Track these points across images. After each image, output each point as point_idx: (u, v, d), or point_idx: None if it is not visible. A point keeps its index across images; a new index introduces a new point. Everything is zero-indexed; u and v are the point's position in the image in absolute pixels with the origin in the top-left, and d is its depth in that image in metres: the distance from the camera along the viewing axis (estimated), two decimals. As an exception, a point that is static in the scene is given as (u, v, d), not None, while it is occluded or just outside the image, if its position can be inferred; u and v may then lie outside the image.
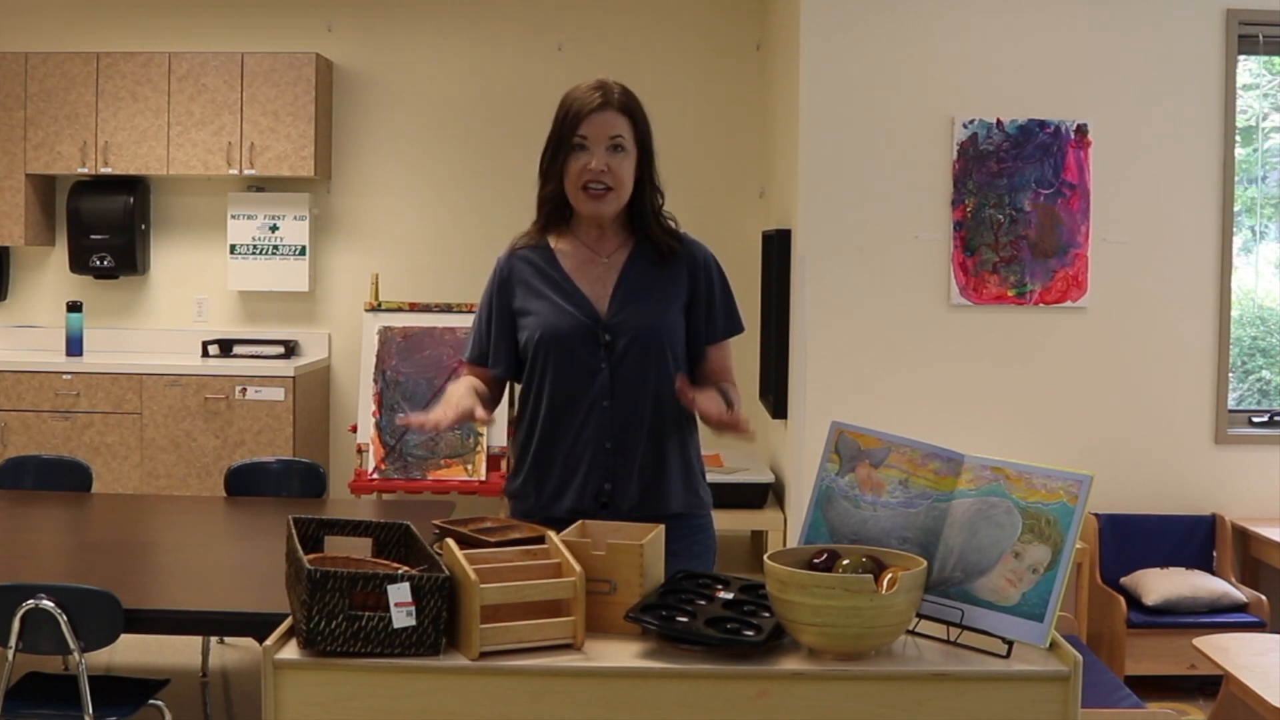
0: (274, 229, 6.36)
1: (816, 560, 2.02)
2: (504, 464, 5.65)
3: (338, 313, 6.52)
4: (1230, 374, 5.06)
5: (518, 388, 2.70)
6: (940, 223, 4.95)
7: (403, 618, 1.89)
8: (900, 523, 2.08)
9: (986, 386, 4.96)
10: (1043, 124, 4.91)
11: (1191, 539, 4.89)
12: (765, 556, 1.99)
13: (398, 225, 6.49)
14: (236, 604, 3.20)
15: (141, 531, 4.08)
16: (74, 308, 6.25)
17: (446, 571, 1.97)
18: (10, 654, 3.08)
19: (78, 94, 6.15)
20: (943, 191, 4.95)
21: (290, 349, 6.33)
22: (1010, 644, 1.95)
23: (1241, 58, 5.05)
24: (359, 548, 2.24)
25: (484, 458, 5.60)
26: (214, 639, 4.82)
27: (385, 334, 5.81)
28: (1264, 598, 4.64)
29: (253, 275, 6.38)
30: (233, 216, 6.36)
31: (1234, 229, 5.04)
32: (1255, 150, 5.44)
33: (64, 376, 5.97)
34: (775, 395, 5.23)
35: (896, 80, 4.94)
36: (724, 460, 5.34)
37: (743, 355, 2.90)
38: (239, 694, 4.58)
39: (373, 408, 5.71)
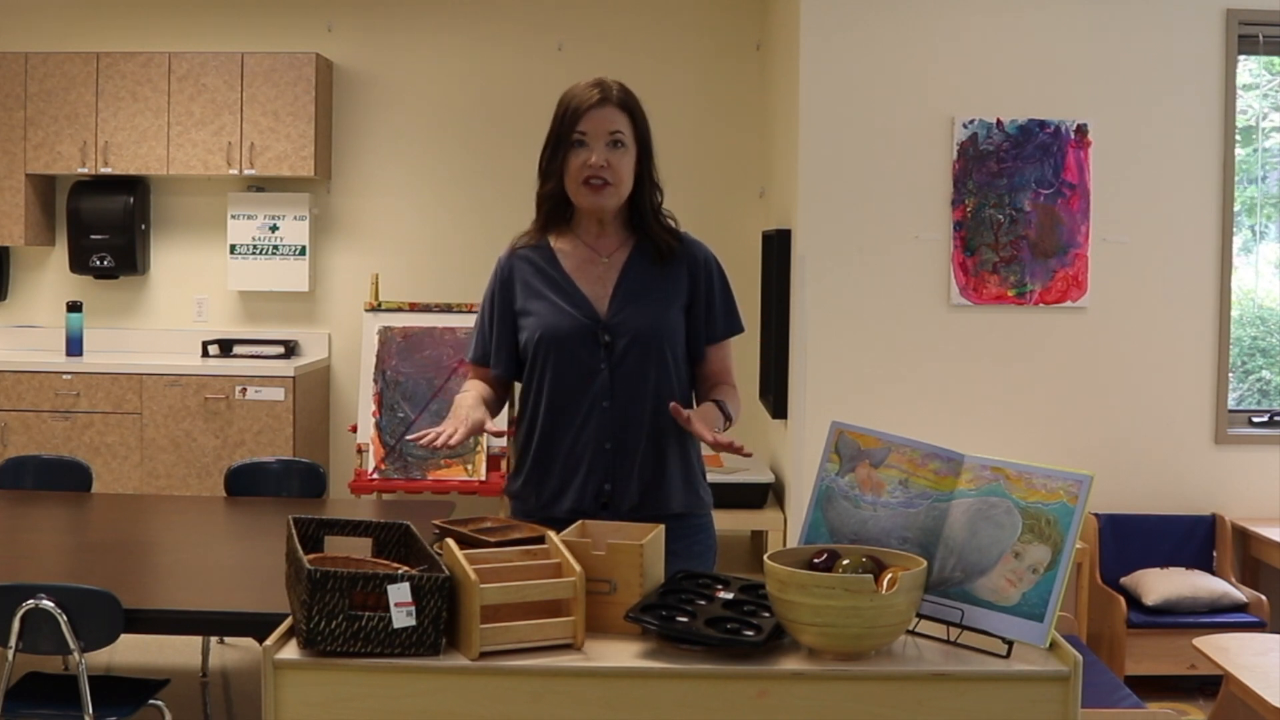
0: (274, 229, 6.36)
1: (816, 560, 2.02)
2: (504, 464, 5.65)
3: (338, 313, 6.52)
4: (1230, 374, 5.06)
5: (518, 388, 2.70)
6: (940, 223, 4.95)
7: (403, 618, 1.89)
8: (900, 523, 2.08)
9: (986, 386, 4.96)
10: (1043, 124, 4.91)
11: (1191, 539, 4.89)
12: (765, 556, 1.99)
13: (398, 225, 6.49)
14: (236, 604, 3.20)
15: (141, 531, 4.08)
16: (74, 308, 6.25)
17: (446, 571, 1.97)
18: (10, 654, 3.08)
19: (78, 94, 6.16)
20: (943, 191, 4.95)
21: (290, 349, 6.33)
22: (1010, 644, 1.95)
23: (1241, 58, 5.05)
24: (359, 548, 2.24)
25: (484, 458, 5.60)
26: (214, 639, 4.82)
27: (385, 334, 5.81)
28: (1264, 598, 4.64)
29: (253, 275, 6.38)
30: (233, 216, 6.36)
31: (1234, 229, 5.04)
32: (1255, 150, 5.44)
33: (64, 376, 5.97)
34: (775, 395, 5.23)
35: (896, 80, 4.94)
36: (724, 460, 5.34)
37: (743, 355, 2.90)
38: (239, 694, 4.58)
39: (373, 408, 5.71)
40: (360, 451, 5.72)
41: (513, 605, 1.95)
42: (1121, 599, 4.62)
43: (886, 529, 2.09)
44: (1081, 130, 4.91)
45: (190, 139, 6.15)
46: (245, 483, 4.48)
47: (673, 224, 2.65)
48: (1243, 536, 4.89)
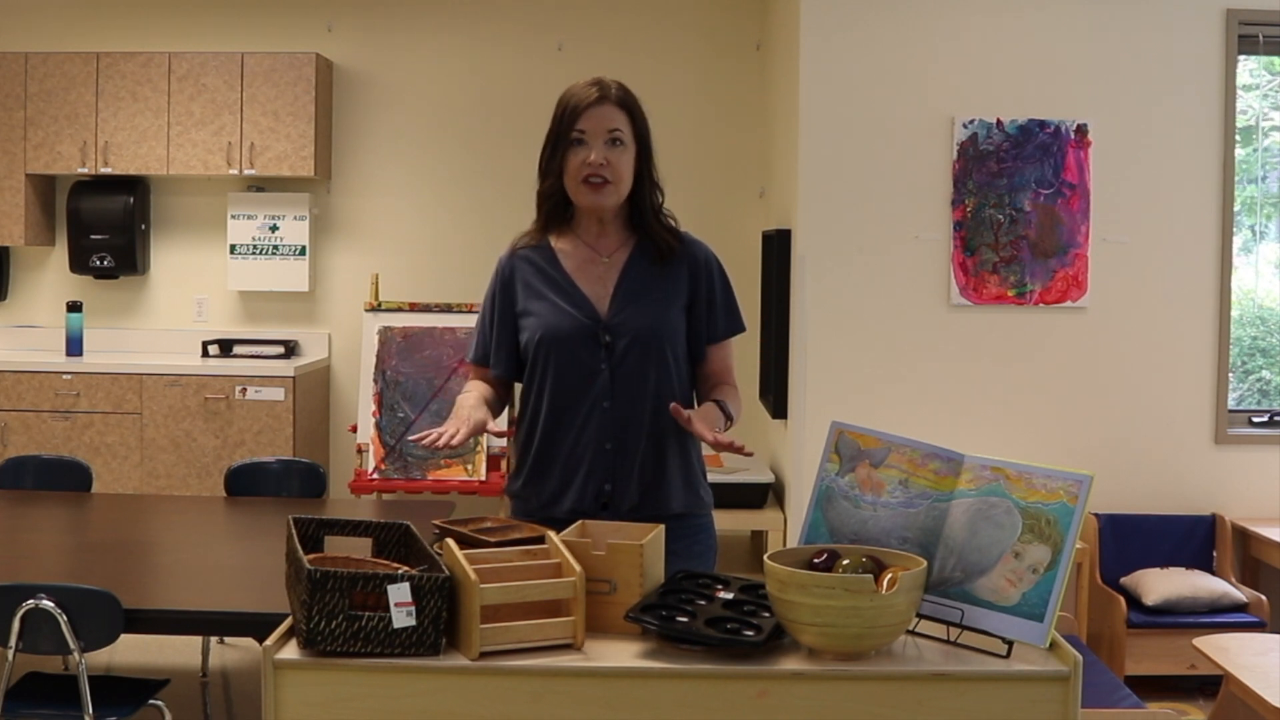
0: (274, 229, 6.36)
1: (816, 560, 2.02)
2: (504, 464, 5.65)
3: (338, 313, 6.52)
4: (1230, 374, 5.06)
5: (518, 388, 2.70)
6: (940, 223, 4.95)
7: (403, 618, 1.89)
8: (900, 523, 2.08)
9: (986, 386, 4.96)
10: (1043, 124, 4.91)
11: (1191, 539, 4.89)
12: (765, 556, 1.99)
13: (398, 225, 6.49)
14: (236, 604, 3.20)
15: (141, 531, 4.08)
16: (74, 308, 6.25)
17: (446, 571, 1.97)
18: (10, 654, 3.08)
19: (78, 94, 6.16)
20: (943, 191, 4.95)
21: (290, 349, 6.33)
22: (1010, 644, 1.95)
23: (1241, 58, 5.05)
24: (359, 548, 2.24)
25: (484, 458, 5.60)
26: (214, 639, 4.82)
27: (385, 334, 5.81)
28: (1264, 598, 4.64)
29: (253, 275, 6.38)
30: (233, 216, 6.36)
31: (1234, 229, 5.04)
32: (1255, 150, 5.45)
33: (64, 376, 5.97)
34: (775, 395, 5.23)
35: (896, 80, 4.94)
36: (724, 460, 5.34)
37: (743, 355, 2.90)
38: (239, 694, 4.58)
39: (373, 408, 5.71)
40: (360, 451, 5.72)
41: (513, 605, 1.95)
42: (1121, 599, 4.62)
43: (886, 529, 2.09)
44: (1081, 130, 4.91)
45: (190, 139, 6.15)
46: (245, 483, 4.48)
47: (673, 224, 2.65)
48: (1243, 536, 4.90)
